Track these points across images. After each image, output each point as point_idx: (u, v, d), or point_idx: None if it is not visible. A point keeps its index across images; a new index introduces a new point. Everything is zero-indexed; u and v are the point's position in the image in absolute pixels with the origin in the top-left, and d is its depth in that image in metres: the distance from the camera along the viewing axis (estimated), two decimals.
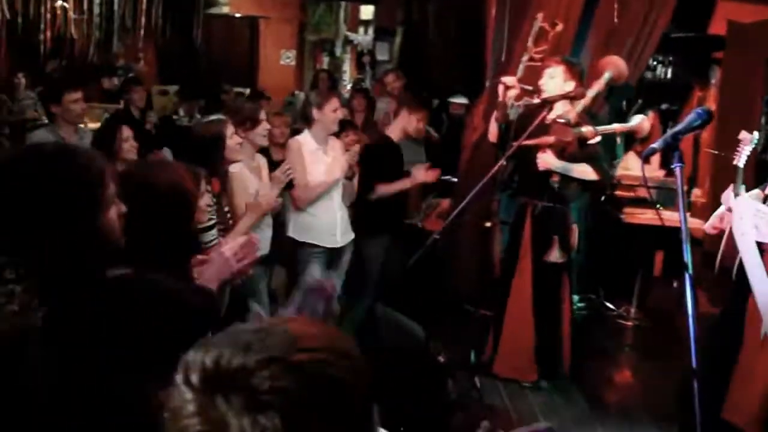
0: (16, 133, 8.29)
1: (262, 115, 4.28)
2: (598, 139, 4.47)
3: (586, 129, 4.40)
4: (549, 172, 4.66)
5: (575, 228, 4.81)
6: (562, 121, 4.38)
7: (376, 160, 5.12)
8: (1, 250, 1.59)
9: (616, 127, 4.67)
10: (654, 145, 2.18)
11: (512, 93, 4.80)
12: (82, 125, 5.31)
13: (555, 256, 4.72)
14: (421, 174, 5.23)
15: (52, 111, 4.91)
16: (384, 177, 5.08)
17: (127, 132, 4.50)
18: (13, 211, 1.60)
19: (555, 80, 4.62)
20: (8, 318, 1.53)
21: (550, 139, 4.49)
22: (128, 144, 4.40)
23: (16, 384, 1.51)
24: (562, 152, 4.60)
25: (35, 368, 1.51)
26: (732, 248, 3.89)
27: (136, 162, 2.82)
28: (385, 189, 5.08)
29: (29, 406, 1.51)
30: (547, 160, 4.62)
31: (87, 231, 1.65)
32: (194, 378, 0.86)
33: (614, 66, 4.68)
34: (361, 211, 5.12)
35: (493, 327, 5.09)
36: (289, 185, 4.29)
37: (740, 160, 3.72)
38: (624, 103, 7.48)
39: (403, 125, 5.23)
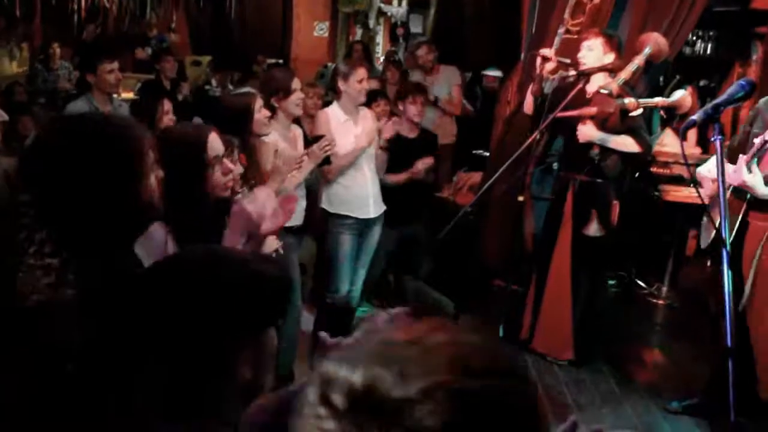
0: (51, 103, 8.39)
1: (296, 84, 4.24)
2: (639, 111, 4.39)
3: (629, 101, 4.33)
4: (589, 145, 4.59)
5: (617, 204, 4.73)
6: (605, 92, 4.30)
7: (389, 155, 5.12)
8: (40, 222, 1.58)
9: (657, 101, 4.59)
10: (693, 117, 2.12)
11: (549, 66, 4.73)
12: (116, 95, 5.33)
13: (593, 229, 4.66)
14: (420, 166, 5.17)
15: (88, 80, 4.92)
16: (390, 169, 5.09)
17: (168, 105, 4.52)
18: (52, 183, 1.58)
19: (594, 53, 4.55)
20: (44, 290, 1.53)
21: (592, 110, 4.42)
22: (168, 117, 4.42)
23: (50, 356, 1.51)
24: (603, 124, 4.53)
25: (71, 341, 1.51)
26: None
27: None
28: (392, 178, 5.09)
29: (63, 379, 1.51)
30: (587, 131, 4.55)
31: (127, 199, 1.63)
32: (338, 400, 0.73)
33: (654, 42, 4.58)
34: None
35: (532, 303, 5.06)
36: (326, 161, 4.26)
37: None
38: (661, 78, 7.35)
39: (405, 117, 5.20)
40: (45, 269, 1.52)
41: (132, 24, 11.48)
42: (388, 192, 4.92)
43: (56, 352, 1.51)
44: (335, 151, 4.38)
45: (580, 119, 4.55)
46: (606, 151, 4.60)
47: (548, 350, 4.96)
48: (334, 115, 4.60)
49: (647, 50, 4.53)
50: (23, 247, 1.54)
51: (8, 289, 1.52)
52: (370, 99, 5.22)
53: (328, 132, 4.45)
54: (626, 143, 4.59)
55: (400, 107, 5.21)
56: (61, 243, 1.56)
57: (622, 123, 4.49)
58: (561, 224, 4.83)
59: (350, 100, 4.57)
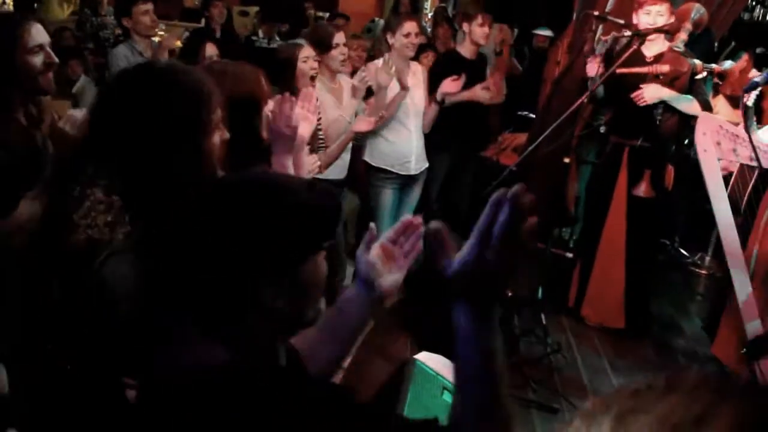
0: (99, 48, 8.46)
1: (339, 39, 4.22)
2: (704, 74, 4.31)
3: (698, 62, 4.25)
4: (648, 110, 4.49)
5: (671, 168, 4.64)
6: (679, 49, 4.20)
7: (440, 72, 4.96)
8: (108, 162, 1.61)
9: (714, 66, 4.48)
10: (757, 79, 2.08)
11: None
12: (156, 39, 5.33)
13: (643, 190, 4.57)
14: (484, 93, 5.05)
15: (125, 24, 4.93)
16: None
17: (211, 50, 4.50)
18: (122, 125, 1.61)
19: (663, 18, 4.42)
20: (102, 228, 1.56)
21: (664, 67, 4.31)
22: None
23: (100, 292, 1.55)
24: (671, 84, 4.43)
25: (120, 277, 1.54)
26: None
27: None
28: (448, 91, 4.84)
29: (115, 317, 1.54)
30: (656, 90, 4.42)
31: (191, 152, 1.65)
32: None
33: (697, 9, 4.51)
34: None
35: (580, 270, 5.02)
36: (369, 93, 4.25)
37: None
38: (716, 44, 7.15)
39: (469, 38, 5.11)
40: (107, 205, 1.55)
41: None
42: (445, 113, 4.87)
43: (107, 292, 1.54)
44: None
45: (637, 85, 4.44)
46: (667, 111, 4.51)
47: (599, 319, 4.92)
48: None
49: (694, 15, 4.44)
50: (85, 182, 1.57)
51: (62, 219, 1.55)
52: (420, 50, 5.18)
53: (376, 84, 4.45)
54: (691, 105, 4.50)
55: (465, 28, 5.14)
56: (120, 185, 1.58)
57: (689, 85, 4.42)
58: (614, 190, 4.75)
59: (398, 53, 4.54)
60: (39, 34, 2.42)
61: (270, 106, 2.38)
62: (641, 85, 4.43)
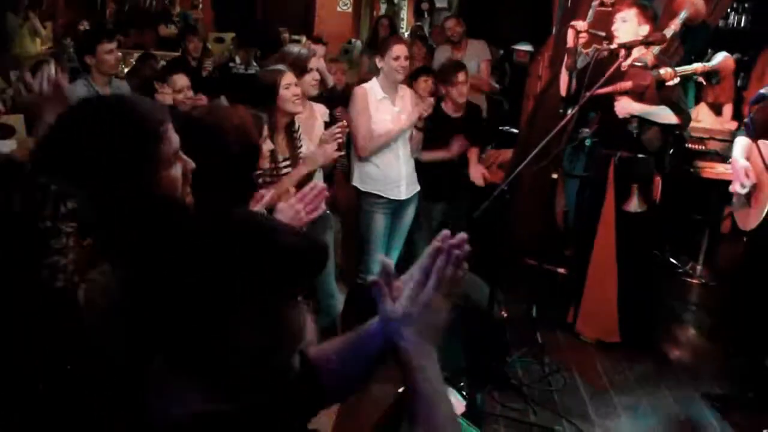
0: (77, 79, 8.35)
1: (314, 63, 4.15)
2: (676, 80, 4.25)
3: (665, 71, 4.18)
4: (627, 120, 4.45)
5: (659, 179, 4.59)
6: (639, 64, 4.17)
7: (430, 130, 4.93)
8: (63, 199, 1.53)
9: (697, 67, 4.38)
10: (763, 91, 2.01)
11: (582, 39, 4.60)
12: (119, 78, 5.26)
13: (634, 205, 4.52)
14: (456, 148, 5.03)
15: (87, 62, 4.84)
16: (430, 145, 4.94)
17: (181, 81, 4.46)
18: (70, 162, 1.52)
19: (628, 24, 4.42)
20: (68, 276, 1.47)
21: (626, 84, 4.27)
22: (182, 95, 4.40)
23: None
24: (641, 97, 4.39)
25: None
26: None
27: (205, 107, 2.74)
28: (427, 156, 4.96)
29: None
30: (624, 105, 4.42)
31: (140, 187, 1.56)
32: None
33: (691, 4, 4.45)
34: None
35: (575, 285, 4.96)
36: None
37: None
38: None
39: (449, 98, 5.11)
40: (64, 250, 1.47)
41: (155, 0, 11.44)
42: (420, 168, 4.84)
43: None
44: (372, 128, 4.29)
45: (615, 94, 4.42)
46: (645, 124, 4.47)
47: (595, 334, 4.87)
48: (372, 91, 4.51)
49: (683, 14, 4.39)
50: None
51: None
52: (417, 74, 5.16)
53: (365, 107, 4.38)
54: (664, 115, 4.46)
55: (443, 90, 5.11)
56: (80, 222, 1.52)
57: (659, 94, 4.37)
58: (603, 203, 4.70)
59: (387, 77, 4.48)
60: None
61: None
62: (615, 100, 4.40)
